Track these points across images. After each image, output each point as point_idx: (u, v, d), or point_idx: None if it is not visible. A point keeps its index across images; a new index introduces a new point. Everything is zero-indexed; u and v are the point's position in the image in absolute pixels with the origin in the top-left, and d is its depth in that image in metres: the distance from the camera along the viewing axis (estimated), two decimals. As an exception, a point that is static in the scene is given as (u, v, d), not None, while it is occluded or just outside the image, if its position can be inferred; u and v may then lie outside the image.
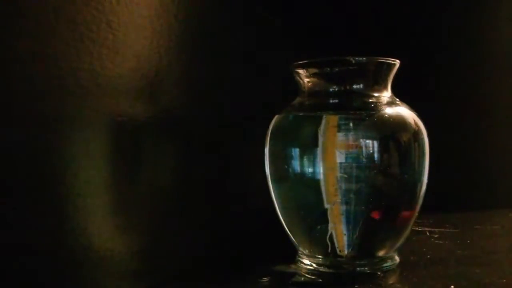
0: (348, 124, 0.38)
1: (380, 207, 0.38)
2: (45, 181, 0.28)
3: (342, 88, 0.40)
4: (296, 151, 0.39)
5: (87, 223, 0.31)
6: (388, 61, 0.39)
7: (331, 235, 0.38)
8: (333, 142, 0.38)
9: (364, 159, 0.37)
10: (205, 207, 0.43)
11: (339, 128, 0.38)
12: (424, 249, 0.45)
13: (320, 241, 0.39)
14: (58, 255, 0.29)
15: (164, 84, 0.37)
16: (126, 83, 0.33)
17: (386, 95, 0.40)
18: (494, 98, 0.67)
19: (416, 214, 0.40)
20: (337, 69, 0.39)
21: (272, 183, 0.41)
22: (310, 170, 0.38)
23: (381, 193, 0.38)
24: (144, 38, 0.35)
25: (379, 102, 0.39)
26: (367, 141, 0.37)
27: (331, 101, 0.40)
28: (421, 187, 0.39)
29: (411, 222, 0.40)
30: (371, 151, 0.37)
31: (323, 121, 0.38)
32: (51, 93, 0.28)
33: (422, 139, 0.39)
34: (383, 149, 0.37)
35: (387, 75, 0.40)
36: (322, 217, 0.38)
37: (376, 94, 0.40)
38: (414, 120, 0.39)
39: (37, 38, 0.28)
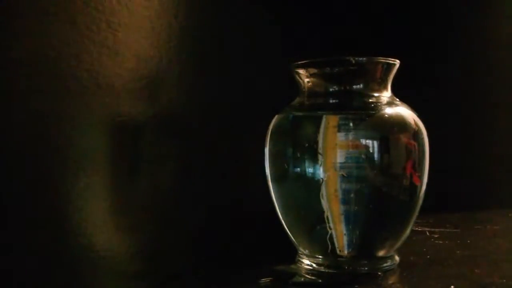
0: (348, 124, 0.38)
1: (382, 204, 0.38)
2: (45, 181, 0.28)
3: (342, 88, 0.40)
4: (296, 151, 0.39)
5: (87, 223, 0.31)
6: (388, 61, 0.39)
7: (331, 235, 0.38)
8: (333, 142, 0.38)
9: (364, 159, 0.37)
10: (205, 207, 0.43)
11: (339, 128, 0.38)
12: (424, 249, 0.45)
13: (320, 241, 0.39)
14: (58, 255, 0.29)
15: (164, 84, 0.37)
16: (126, 83, 0.33)
17: (386, 95, 0.40)
18: (494, 98, 0.67)
19: (416, 214, 0.40)
20: (337, 69, 0.39)
21: (272, 183, 0.41)
22: (310, 170, 0.38)
23: (381, 193, 0.38)
24: (144, 38, 0.35)
25: (379, 102, 0.39)
26: (367, 141, 0.37)
27: (331, 101, 0.40)
28: (421, 187, 0.39)
29: (411, 222, 0.40)
30: (371, 151, 0.37)
31: (323, 121, 0.38)
32: (51, 93, 0.28)
33: (422, 139, 0.39)
34: (383, 149, 0.37)
35: (387, 75, 0.40)
36: (322, 217, 0.38)
37: (376, 94, 0.40)
38: (414, 120, 0.39)
39: (37, 38, 0.28)
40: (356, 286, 0.36)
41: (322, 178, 0.37)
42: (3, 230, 0.26)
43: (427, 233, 0.51)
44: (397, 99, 0.41)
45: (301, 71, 0.40)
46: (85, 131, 0.30)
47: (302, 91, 0.41)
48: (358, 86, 0.40)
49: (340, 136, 0.38)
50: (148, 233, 0.36)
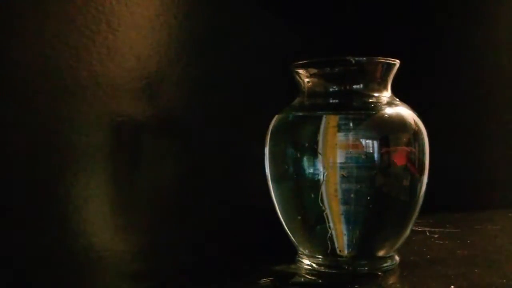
0: (348, 124, 0.38)
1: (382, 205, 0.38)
2: (45, 181, 0.28)
3: (342, 88, 0.40)
4: (296, 151, 0.39)
5: (87, 223, 0.31)
6: (388, 61, 0.39)
7: (331, 235, 0.38)
8: (333, 142, 0.38)
9: (364, 159, 0.37)
10: (205, 207, 0.43)
11: (339, 128, 0.38)
12: (424, 249, 0.45)
13: (320, 241, 0.39)
14: (58, 255, 0.29)
15: (164, 84, 0.37)
16: (126, 83, 0.33)
17: (386, 95, 0.40)
18: (494, 98, 0.67)
19: (416, 214, 0.40)
20: (337, 69, 0.39)
21: (272, 183, 0.41)
22: (310, 170, 0.38)
23: (381, 193, 0.38)
24: (144, 38, 0.35)
25: (379, 102, 0.39)
26: (367, 141, 0.37)
27: (331, 101, 0.40)
28: (421, 187, 0.39)
29: (411, 222, 0.40)
30: (371, 151, 0.37)
31: (323, 121, 0.38)
32: (51, 93, 0.28)
33: (422, 139, 0.39)
34: (383, 149, 0.37)
35: (387, 75, 0.40)
36: (322, 217, 0.38)
37: (376, 94, 0.40)
38: (414, 120, 0.39)
39: (37, 38, 0.28)
40: (356, 286, 0.36)
41: (322, 178, 0.37)
42: (4, 230, 0.26)
43: (427, 233, 0.51)
44: (397, 99, 0.41)
45: (301, 71, 0.40)
46: (85, 131, 0.31)
47: (302, 91, 0.42)
48: (358, 86, 0.40)
49: (340, 136, 0.38)
50: (148, 233, 0.36)
